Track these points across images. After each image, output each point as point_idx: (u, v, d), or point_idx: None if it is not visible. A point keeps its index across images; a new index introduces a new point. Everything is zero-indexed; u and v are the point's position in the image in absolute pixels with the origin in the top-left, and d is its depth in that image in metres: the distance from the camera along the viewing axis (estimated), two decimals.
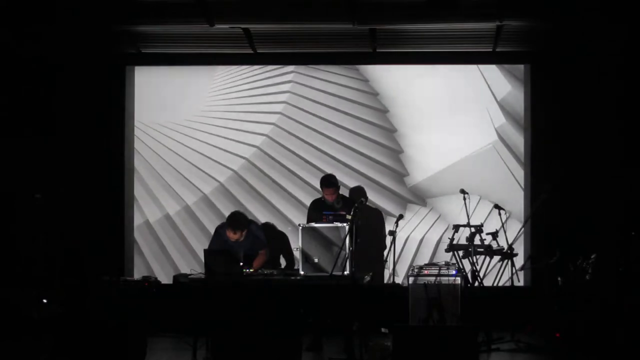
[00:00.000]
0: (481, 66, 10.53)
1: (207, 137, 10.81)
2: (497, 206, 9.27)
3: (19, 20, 9.73)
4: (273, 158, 10.71)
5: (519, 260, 9.75)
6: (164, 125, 10.81)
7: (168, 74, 10.83)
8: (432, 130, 10.55)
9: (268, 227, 9.74)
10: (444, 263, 9.19)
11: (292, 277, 8.22)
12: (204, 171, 10.77)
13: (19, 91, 10.55)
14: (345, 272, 7.98)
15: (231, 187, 10.72)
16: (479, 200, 10.19)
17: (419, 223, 10.55)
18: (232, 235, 8.62)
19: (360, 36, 10.18)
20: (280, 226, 10.23)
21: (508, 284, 9.34)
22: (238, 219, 8.68)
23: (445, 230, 10.31)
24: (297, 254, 8.78)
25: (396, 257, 9.45)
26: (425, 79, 10.58)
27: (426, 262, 10.00)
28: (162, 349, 8.79)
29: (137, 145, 10.83)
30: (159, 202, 10.80)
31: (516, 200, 10.39)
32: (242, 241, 8.66)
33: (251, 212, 10.40)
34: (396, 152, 10.61)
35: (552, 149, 10.29)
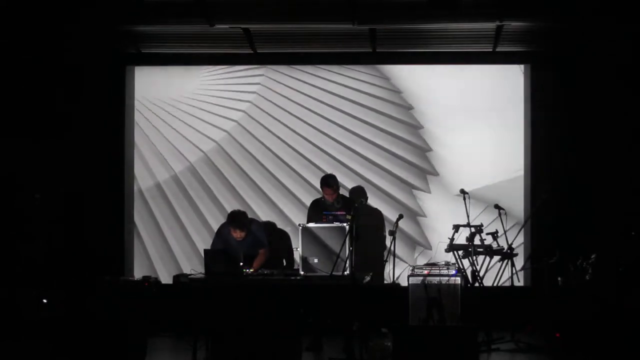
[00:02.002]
0: (523, 66, 10.44)
1: (198, 112, 10.84)
2: (497, 206, 9.26)
3: (18, 21, 9.73)
4: (256, 138, 10.77)
5: (519, 260, 9.75)
6: (162, 106, 10.85)
7: (168, 74, 10.85)
8: (464, 145, 10.45)
9: (269, 226, 9.72)
10: (444, 263, 9.19)
11: (292, 277, 8.21)
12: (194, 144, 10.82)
13: (18, 91, 10.54)
14: (345, 272, 7.99)
15: (216, 160, 10.76)
16: (485, 208, 10.19)
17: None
18: (236, 234, 8.64)
19: (360, 36, 10.17)
20: (267, 212, 10.31)
21: (508, 284, 9.33)
22: (238, 218, 8.67)
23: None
24: (297, 254, 8.77)
25: (395, 261, 9.46)
26: (453, 80, 10.51)
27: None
28: (162, 349, 8.80)
29: (136, 140, 10.86)
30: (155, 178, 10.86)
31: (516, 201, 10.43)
32: (242, 240, 8.67)
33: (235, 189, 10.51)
34: (425, 171, 10.53)
35: (552, 149, 10.29)
